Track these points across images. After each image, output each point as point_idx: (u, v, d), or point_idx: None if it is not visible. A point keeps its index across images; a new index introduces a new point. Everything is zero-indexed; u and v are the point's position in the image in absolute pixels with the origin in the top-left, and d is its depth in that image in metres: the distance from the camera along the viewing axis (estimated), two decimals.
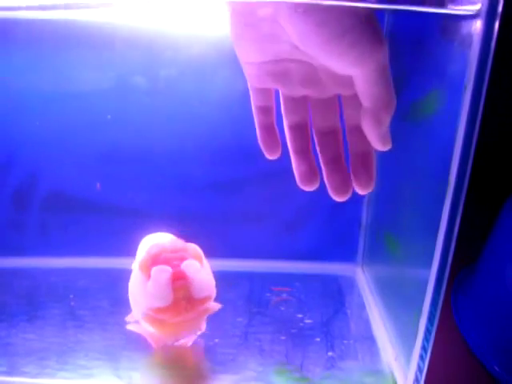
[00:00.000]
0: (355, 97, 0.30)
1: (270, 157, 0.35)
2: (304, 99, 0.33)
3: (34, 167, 0.48)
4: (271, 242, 0.51)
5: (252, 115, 0.35)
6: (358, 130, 0.31)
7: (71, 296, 0.45)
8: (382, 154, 0.32)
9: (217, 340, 0.40)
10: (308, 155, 0.33)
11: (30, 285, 0.47)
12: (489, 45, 0.24)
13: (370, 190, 0.32)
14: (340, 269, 0.51)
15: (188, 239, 0.39)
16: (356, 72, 0.28)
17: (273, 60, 0.32)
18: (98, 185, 0.48)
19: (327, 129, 0.33)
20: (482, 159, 0.35)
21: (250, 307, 0.45)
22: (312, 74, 0.32)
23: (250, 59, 0.32)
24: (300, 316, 0.44)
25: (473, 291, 0.46)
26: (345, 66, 0.28)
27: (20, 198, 0.48)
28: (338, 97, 0.33)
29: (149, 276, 0.34)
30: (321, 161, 0.33)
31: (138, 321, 0.37)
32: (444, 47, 0.29)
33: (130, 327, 0.38)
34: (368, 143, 0.31)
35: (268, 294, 0.47)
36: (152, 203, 0.49)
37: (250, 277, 0.49)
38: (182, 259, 0.34)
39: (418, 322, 0.32)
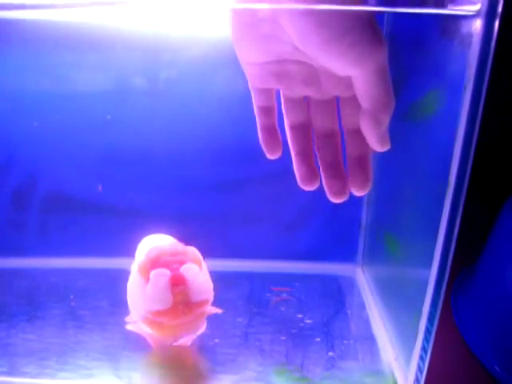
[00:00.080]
0: (354, 98, 0.30)
1: (270, 157, 0.35)
2: (304, 100, 0.33)
3: (34, 167, 0.48)
4: (271, 242, 0.51)
5: (252, 116, 0.35)
6: (356, 133, 0.31)
7: (71, 296, 0.45)
8: (383, 155, 0.32)
9: (217, 340, 0.40)
10: (309, 156, 0.33)
11: (29, 285, 0.47)
12: (489, 45, 0.24)
13: (365, 192, 0.33)
14: (340, 269, 0.51)
15: (188, 239, 0.39)
16: (355, 73, 0.28)
17: (273, 60, 0.32)
18: (100, 187, 0.48)
19: (326, 131, 0.33)
20: (482, 159, 0.35)
21: (250, 307, 0.45)
22: (311, 75, 0.32)
23: (251, 60, 0.32)
24: (300, 316, 0.44)
25: (473, 292, 0.46)
26: (344, 66, 0.28)
27: (20, 198, 0.48)
28: (337, 99, 0.33)
29: (148, 279, 0.34)
30: (320, 164, 0.33)
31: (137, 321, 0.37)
32: (444, 47, 0.29)
33: (129, 327, 0.38)
34: (365, 145, 0.31)
35: (268, 294, 0.47)
36: (152, 203, 0.49)
37: (249, 277, 0.49)
38: (181, 263, 0.34)
39: (418, 322, 0.32)
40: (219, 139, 0.46)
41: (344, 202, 0.33)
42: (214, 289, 0.36)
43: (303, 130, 0.34)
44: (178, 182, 0.48)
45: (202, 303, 0.35)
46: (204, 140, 0.46)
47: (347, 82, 0.30)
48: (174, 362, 0.38)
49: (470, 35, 0.24)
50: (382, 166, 0.45)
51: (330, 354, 0.39)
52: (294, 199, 0.49)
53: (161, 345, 0.37)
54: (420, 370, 0.33)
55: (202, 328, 0.38)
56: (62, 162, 0.47)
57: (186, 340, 0.38)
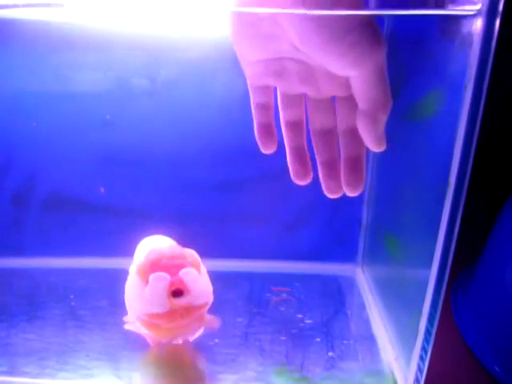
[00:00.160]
0: (350, 98, 0.30)
1: (265, 152, 0.35)
2: (301, 97, 0.33)
3: (34, 168, 0.48)
4: (271, 242, 0.51)
5: (252, 116, 0.35)
6: (351, 133, 0.31)
7: (71, 296, 0.45)
8: (383, 155, 0.32)
9: (217, 340, 0.40)
10: (303, 152, 0.34)
11: (29, 285, 0.47)
12: (489, 44, 0.24)
13: (359, 193, 0.33)
14: (340, 269, 0.51)
15: (188, 239, 0.39)
16: (355, 73, 0.28)
17: (272, 59, 0.32)
18: (102, 189, 0.48)
19: (323, 129, 0.33)
20: (482, 159, 0.35)
21: (250, 307, 0.45)
22: (310, 74, 0.32)
23: (250, 58, 0.32)
24: (300, 316, 0.44)
25: (473, 291, 0.46)
26: (344, 66, 0.28)
27: (20, 198, 0.48)
28: (333, 98, 0.33)
29: (146, 281, 0.34)
30: (317, 161, 0.34)
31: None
32: (444, 47, 0.29)
33: (127, 327, 0.38)
34: (360, 146, 0.31)
35: (268, 294, 0.47)
36: (152, 204, 0.49)
37: (249, 277, 0.49)
38: (180, 267, 0.34)
39: (418, 322, 0.32)
40: (219, 139, 0.46)
41: (344, 202, 0.33)
42: (214, 289, 0.36)
43: (299, 126, 0.34)
44: (178, 182, 0.48)
45: (202, 306, 0.35)
46: (204, 140, 0.46)
47: (345, 82, 0.30)
48: (171, 360, 0.38)
49: (471, 35, 0.24)
50: (382, 166, 0.45)
51: (330, 354, 0.39)
52: (294, 199, 0.49)
53: (158, 344, 0.37)
54: (420, 370, 0.33)
55: (201, 329, 0.38)
56: (62, 162, 0.47)
57: (185, 339, 0.38)
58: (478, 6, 0.24)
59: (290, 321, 0.43)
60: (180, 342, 0.37)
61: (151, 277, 0.33)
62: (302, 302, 0.46)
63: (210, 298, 0.36)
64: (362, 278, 0.50)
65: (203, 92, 0.45)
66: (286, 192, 0.48)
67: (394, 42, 0.39)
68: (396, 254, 0.41)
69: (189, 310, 0.34)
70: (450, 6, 0.25)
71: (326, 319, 0.43)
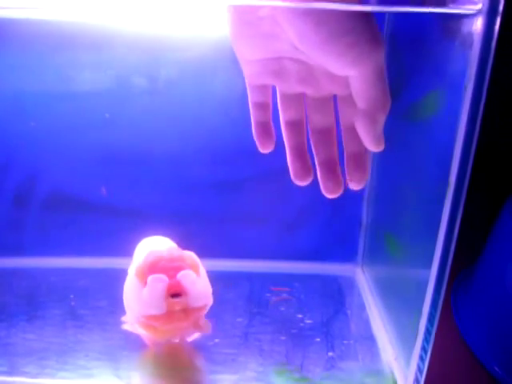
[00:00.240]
0: (351, 96, 0.30)
1: (263, 151, 0.35)
2: (300, 96, 0.33)
3: (34, 167, 0.48)
4: (271, 241, 0.51)
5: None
6: (354, 129, 0.31)
7: (71, 296, 0.45)
8: (383, 155, 0.32)
9: (217, 340, 0.40)
10: (303, 151, 0.34)
11: (29, 285, 0.47)
12: (489, 44, 0.24)
13: (362, 187, 0.33)
14: (340, 269, 0.51)
15: (188, 239, 0.39)
16: (354, 72, 0.28)
17: (271, 58, 0.32)
18: (104, 190, 0.48)
19: (322, 128, 0.33)
20: (482, 159, 0.35)
21: (250, 307, 0.44)
22: (309, 73, 0.32)
23: (249, 57, 0.32)
24: (300, 316, 0.44)
25: (473, 292, 0.46)
26: (343, 66, 0.28)
27: (20, 198, 0.48)
28: (334, 96, 0.33)
29: (145, 283, 0.34)
30: (315, 160, 0.34)
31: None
32: (444, 47, 0.29)
33: (125, 327, 0.38)
34: (362, 142, 0.31)
35: (268, 294, 0.47)
36: (152, 203, 0.49)
37: (249, 277, 0.49)
38: (179, 269, 0.34)
39: (418, 322, 0.31)
40: (219, 139, 0.46)
41: (344, 202, 0.33)
42: (214, 289, 0.36)
43: (298, 126, 0.34)
44: (179, 181, 0.48)
45: (200, 309, 0.35)
46: (204, 140, 0.46)
47: (344, 81, 0.30)
48: (169, 359, 0.38)
49: (471, 35, 0.24)
50: (382, 166, 0.45)
51: (330, 354, 0.39)
52: (294, 199, 0.49)
53: (155, 344, 0.37)
54: (420, 370, 0.33)
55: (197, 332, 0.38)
56: (62, 162, 0.47)
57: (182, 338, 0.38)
58: (479, 6, 0.23)
59: (289, 321, 0.43)
60: (177, 340, 0.37)
61: (149, 279, 0.33)
62: (302, 302, 0.46)
63: (209, 300, 0.36)
64: (362, 278, 0.50)
65: (203, 91, 0.45)
66: (286, 192, 0.48)
67: (394, 42, 0.39)
68: (396, 254, 0.41)
69: (186, 312, 0.34)
70: (451, 5, 0.25)
71: (325, 319, 0.43)
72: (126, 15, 0.38)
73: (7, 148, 0.47)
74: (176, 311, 0.33)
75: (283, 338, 0.41)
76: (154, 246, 0.39)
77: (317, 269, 0.51)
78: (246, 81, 0.34)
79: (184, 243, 0.40)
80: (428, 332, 0.31)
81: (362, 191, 0.48)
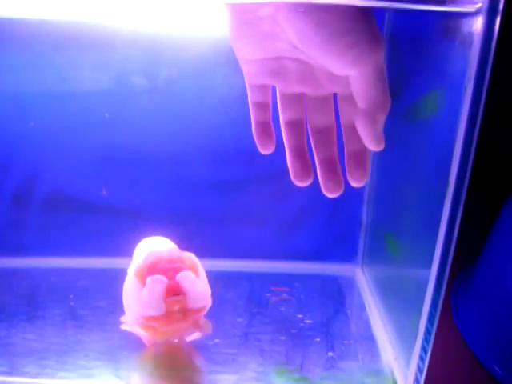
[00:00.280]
0: (351, 96, 0.30)
1: (263, 151, 0.35)
2: (300, 96, 0.33)
3: (34, 167, 0.48)
4: (271, 242, 0.51)
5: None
6: (354, 129, 0.31)
7: (71, 296, 0.45)
8: (383, 154, 0.32)
9: (217, 340, 0.40)
10: (303, 152, 0.34)
11: (29, 285, 0.47)
12: (489, 44, 0.24)
13: (362, 185, 0.33)
14: (340, 269, 0.51)
15: (188, 239, 0.39)
16: (354, 72, 0.28)
17: (271, 58, 0.32)
18: (104, 191, 0.48)
19: (322, 128, 0.33)
20: (482, 159, 0.35)
21: (250, 307, 0.44)
22: (309, 73, 0.32)
23: (248, 56, 0.32)
24: (300, 316, 0.44)
25: (473, 292, 0.46)
26: (343, 66, 0.28)
27: (20, 197, 0.48)
28: (334, 96, 0.33)
29: (144, 284, 0.34)
30: (316, 160, 0.34)
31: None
32: (444, 47, 0.29)
33: (123, 327, 0.38)
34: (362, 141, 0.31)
35: (268, 294, 0.47)
36: (152, 203, 0.49)
37: (249, 277, 0.49)
38: (178, 270, 0.34)
39: (418, 322, 0.31)
40: (220, 139, 0.46)
41: (344, 202, 0.33)
42: (214, 289, 0.36)
43: (298, 126, 0.34)
44: (178, 181, 0.48)
45: (199, 310, 0.35)
46: (204, 140, 0.46)
47: (344, 81, 0.30)
48: (168, 359, 0.38)
49: (471, 35, 0.24)
50: (382, 166, 0.45)
51: (330, 354, 0.39)
52: (294, 199, 0.49)
53: (154, 343, 0.37)
54: (420, 370, 0.33)
55: (197, 332, 0.38)
56: (62, 162, 0.47)
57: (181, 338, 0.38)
58: (479, 5, 0.23)
59: (289, 321, 0.43)
60: (176, 340, 0.37)
61: (148, 279, 0.33)
62: (302, 302, 0.46)
63: (208, 302, 0.36)
64: (362, 278, 0.50)
65: (203, 91, 0.45)
66: (286, 192, 0.48)
67: (394, 42, 0.39)
68: (396, 254, 0.41)
69: (185, 313, 0.33)
70: (451, 4, 0.25)
71: (325, 319, 0.43)
72: (126, 15, 0.38)
73: (7, 148, 0.47)
74: (175, 312, 0.33)
75: (283, 338, 0.41)
76: (154, 246, 0.39)
77: (317, 269, 0.51)
78: (246, 80, 0.34)
79: (184, 243, 0.40)
80: (428, 332, 0.31)
81: (361, 191, 0.48)
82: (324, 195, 0.34)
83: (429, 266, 0.30)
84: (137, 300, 0.34)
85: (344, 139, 0.33)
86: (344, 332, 0.42)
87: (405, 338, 0.36)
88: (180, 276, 0.34)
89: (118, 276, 0.38)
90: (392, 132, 0.31)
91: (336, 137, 0.34)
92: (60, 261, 0.50)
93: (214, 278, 0.37)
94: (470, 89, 0.25)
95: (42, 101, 0.45)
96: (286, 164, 0.34)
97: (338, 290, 0.48)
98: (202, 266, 0.37)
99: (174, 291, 0.33)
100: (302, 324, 0.42)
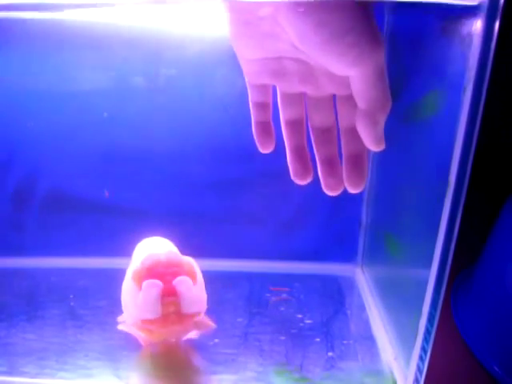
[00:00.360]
0: (350, 97, 0.30)
1: (263, 151, 0.35)
2: (301, 96, 0.34)
3: (34, 167, 0.48)
4: (271, 242, 0.51)
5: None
6: (352, 131, 0.31)
7: (71, 296, 0.45)
8: (383, 155, 0.32)
9: (216, 340, 0.40)
10: (303, 151, 0.34)
11: (29, 285, 0.47)
12: (489, 44, 0.24)
13: (360, 190, 0.33)
14: (340, 269, 0.51)
15: (187, 239, 0.39)
16: (354, 72, 0.28)
17: (271, 57, 0.32)
18: (107, 193, 0.48)
19: (323, 127, 0.33)
20: (482, 159, 0.35)
21: (249, 307, 0.44)
22: (309, 73, 0.32)
23: (249, 56, 0.32)
24: (300, 316, 0.44)
25: (473, 292, 0.46)
26: (343, 66, 0.28)
27: (20, 197, 0.48)
28: (334, 95, 0.33)
29: (141, 287, 0.34)
30: (316, 159, 0.34)
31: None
32: (444, 47, 0.29)
33: (120, 327, 0.38)
34: (361, 144, 0.31)
35: (268, 294, 0.47)
36: (152, 203, 0.49)
37: (249, 277, 0.49)
38: (176, 274, 0.34)
39: (418, 322, 0.31)
40: (219, 139, 0.46)
41: (344, 202, 0.33)
42: (214, 289, 0.36)
43: (298, 126, 0.34)
44: (178, 181, 0.48)
45: (194, 315, 0.35)
46: (204, 139, 0.46)
47: (345, 81, 0.30)
48: (165, 359, 0.38)
49: (471, 35, 0.24)
50: (382, 166, 0.45)
51: (330, 354, 0.39)
52: (294, 199, 0.49)
53: (151, 344, 0.38)
54: (419, 370, 0.33)
55: (194, 332, 0.38)
56: (62, 162, 0.47)
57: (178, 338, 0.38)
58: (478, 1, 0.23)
59: (289, 321, 0.43)
60: (173, 340, 0.38)
61: (144, 283, 0.33)
62: (302, 302, 0.46)
63: (203, 307, 0.36)
64: (362, 278, 0.50)
65: (203, 91, 0.45)
66: (286, 192, 0.48)
67: (394, 42, 0.39)
68: (396, 254, 0.41)
69: (180, 316, 0.34)
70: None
71: (325, 319, 0.43)
72: (126, 14, 0.38)
73: (7, 147, 0.47)
74: (171, 315, 0.33)
75: (283, 338, 0.41)
76: (153, 248, 0.39)
77: (316, 269, 0.51)
78: (246, 80, 0.34)
79: (183, 243, 0.40)
80: (428, 332, 0.31)
81: (361, 191, 0.47)
82: (324, 195, 0.34)
83: (429, 266, 0.30)
84: (133, 302, 0.34)
85: (342, 144, 0.33)
86: (344, 332, 0.42)
87: (404, 338, 0.36)
88: (177, 281, 0.34)
89: (118, 276, 0.38)
90: (392, 132, 0.31)
91: (336, 136, 0.34)
92: (60, 261, 0.50)
93: (214, 278, 0.37)
94: (470, 89, 0.25)
95: (42, 100, 0.45)
96: (285, 164, 0.34)
97: (338, 290, 0.48)
98: (202, 265, 0.37)
99: (170, 295, 0.33)
100: (301, 324, 0.42)
